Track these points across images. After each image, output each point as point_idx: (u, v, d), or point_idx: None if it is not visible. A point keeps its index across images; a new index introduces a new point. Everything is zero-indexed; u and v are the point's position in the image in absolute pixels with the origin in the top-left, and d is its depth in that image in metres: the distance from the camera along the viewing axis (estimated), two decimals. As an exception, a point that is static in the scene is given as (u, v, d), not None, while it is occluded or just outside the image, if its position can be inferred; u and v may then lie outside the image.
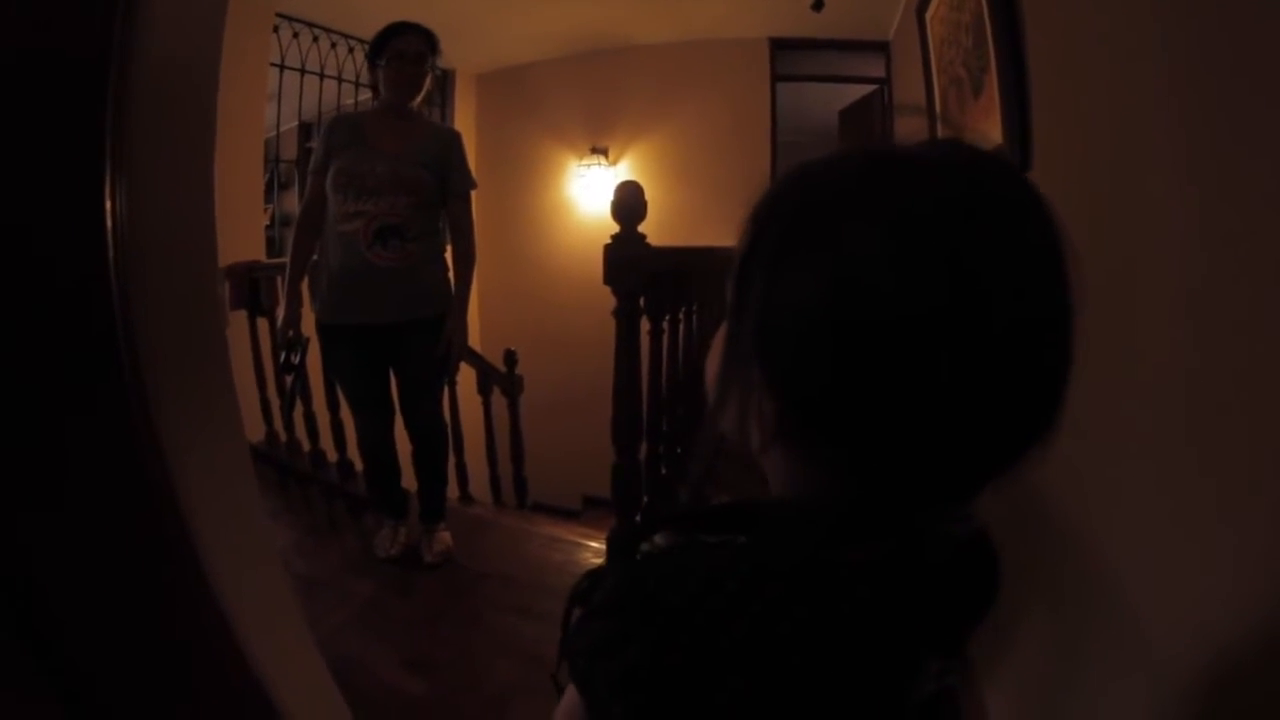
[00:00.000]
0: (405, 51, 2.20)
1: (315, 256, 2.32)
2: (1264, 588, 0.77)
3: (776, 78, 4.95)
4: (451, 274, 2.37)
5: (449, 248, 2.39)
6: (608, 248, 2.01)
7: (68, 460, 0.65)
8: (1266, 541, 0.77)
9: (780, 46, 4.89)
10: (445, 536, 2.55)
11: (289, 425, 3.24)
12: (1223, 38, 0.86)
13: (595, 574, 0.53)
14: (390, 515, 2.59)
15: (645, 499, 2.35)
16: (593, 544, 2.69)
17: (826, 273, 0.41)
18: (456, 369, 2.48)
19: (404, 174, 2.18)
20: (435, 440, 2.53)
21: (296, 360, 2.29)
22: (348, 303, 2.22)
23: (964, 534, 0.49)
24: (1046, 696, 1.29)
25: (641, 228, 2.02)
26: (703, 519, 0.51)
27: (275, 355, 2.55)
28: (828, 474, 0.46)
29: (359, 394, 2.43)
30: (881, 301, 0.39)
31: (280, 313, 2.40)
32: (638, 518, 2.28)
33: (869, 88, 4.82)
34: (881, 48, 4.58)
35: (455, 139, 2.36)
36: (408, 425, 2.46)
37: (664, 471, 2.53)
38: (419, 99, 2.28)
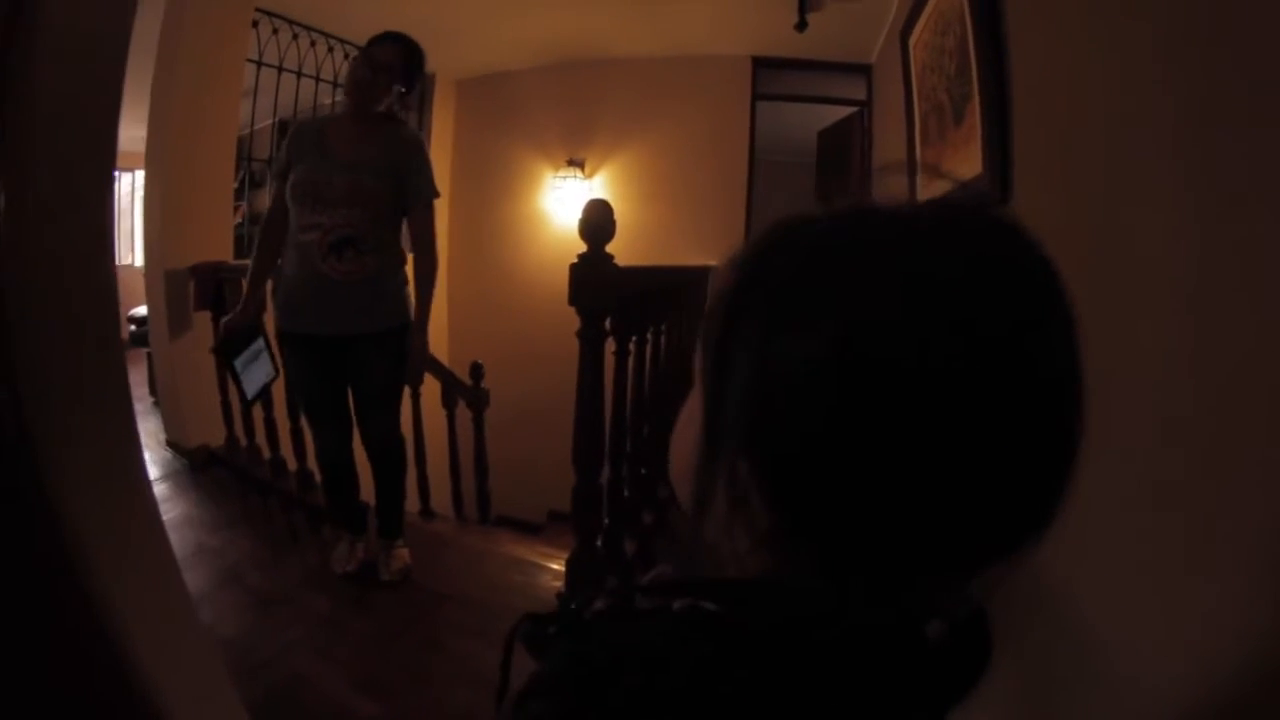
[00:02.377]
0: (375, 57, 2.16)
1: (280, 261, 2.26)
2: (1234, 642, 0.76)
3: (757, 96, 4.95)
4: (411, 287, 2.32)
5: (409, 259, 2.34)
6: (573, 268, 1.98)
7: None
8: (1236, 595, 0.76)
9: (762, 65, 4.88)
10: (404, 554, 2.51)
11: (246, 418, 3.17)
12: (1215, 65, 0.85)
13: (535, 617, 0.49)
14: (348, 530, 2.53)
15: (606, 521, 2.32)
16: (554, 565, 2.64)
17: (831, 337, 0.35)
18: (419, 382, 2.42)
19: (362, 186, 2.13)
20: (392, 456, 2.47)
21: (232, 351, 2.17)
22: (302, 311, 2.18)
23: (961, 615, 0.44)
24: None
25: (616, 243, 1.98)
26: (663, 589, 0.46)
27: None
28: (816, 565, 0.40)
29: (313, 404, 2.37)
30: (896, 363, 0.34)
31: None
32: (599, 542, 2.25)
33: (849, 110, 4.82)
34: (863, 70, 4.59)
35: (417, 145, 2.30)
36: (364, 440, 2.41)
37: (626, 494, 2.49)
38: (379, 107, 2.21)
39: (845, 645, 0.40)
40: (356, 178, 2.12)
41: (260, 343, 2.19)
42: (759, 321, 0.39)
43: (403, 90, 2.24)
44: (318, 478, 2.73)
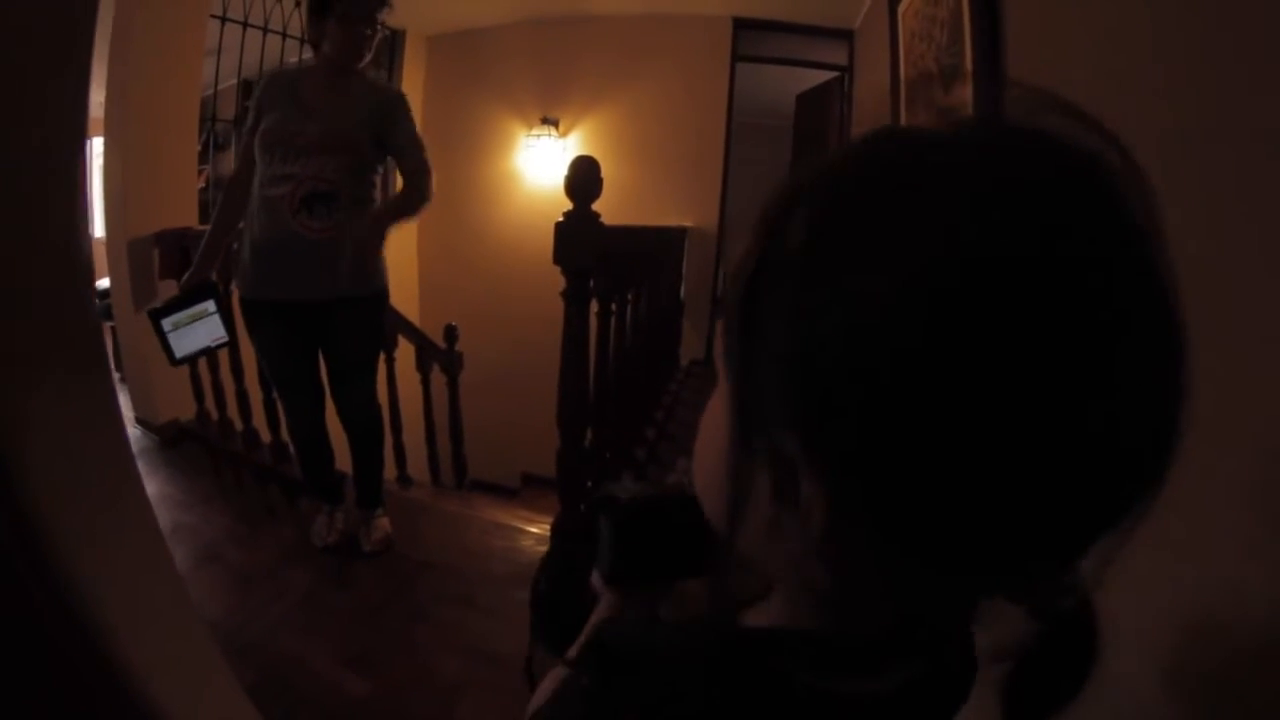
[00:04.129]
0: (354, 11, 2.01)
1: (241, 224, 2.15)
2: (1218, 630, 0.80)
3: (737, 57, 4.90)
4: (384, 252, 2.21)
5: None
6: (560, 225, 1.92)
7: None
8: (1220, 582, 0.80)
9: (743, 26, 4.82)
10: (384, 523, 2.47)
11: (217, 391, 3.07)
12: (1215, 48, 0.85)
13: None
14: (326, 501, 2.49)
15: (589, 484, 2.30)
16: (533, 529, 2.63)
17: (912, 268, 0.28)
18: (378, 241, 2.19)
19: (339, 132, 2.02)
20: (369, 426, 2.40)
21: (165, 311, 2.00)
22: (271, 276, 2.06)
23: (1065, 607, 0.37)
24: None
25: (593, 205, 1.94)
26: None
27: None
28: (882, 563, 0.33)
29: (285, 375, 2.27)
30: (997, 288, 0.27)
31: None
32: (582, 507, 2.24)
33: (829, 74, 4.79)
34: (845, 35, 4.57)
35: (400, 103, 2.18)
36: (340, 411, 2.33)
37: (608, 456, 2.49)
38: (365, 61, 2.12)
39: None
40: (334, 124, 2.02)
41: (210, 304, 2.04)
42: (798, 272, 0.32)
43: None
44: (291, 450, 2.67)
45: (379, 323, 2.25)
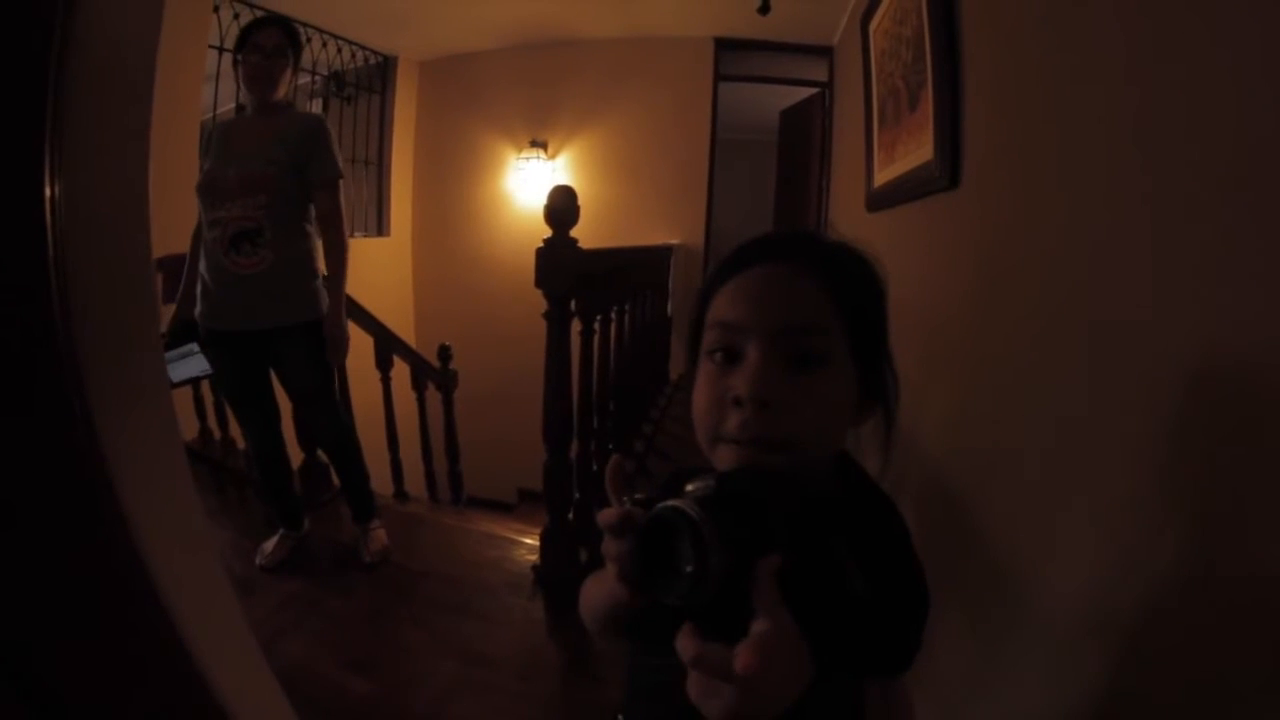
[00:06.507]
0: (260, 44, 2.15)
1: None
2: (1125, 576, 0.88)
3: (720, 77, 5.00)
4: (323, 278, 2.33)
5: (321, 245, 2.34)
6: (539, 252, 2.04)
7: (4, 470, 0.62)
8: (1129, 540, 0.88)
9: (725, 46, 4.93)
10: (380, 535, 2.56)
11: (220, 411, 3.17)
12: (1163, 62, 0.89)
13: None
14: (282, 524, 2.56)
15: (577, 495, 2.41)
16: (527, 540, 2.71)
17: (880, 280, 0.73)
18: (341, 360, 2.38)
19: (253, 174, 2.11)
20: (340, 445, 2.48)
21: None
22: (217, 310, 2.18)
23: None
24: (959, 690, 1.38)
25: (579, 223, 2.05)
26: None
27: None
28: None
29: (236, 400, 2.39)
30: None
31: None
32: (570, 515, 2.35)
33: (811, 90, 4.88)
34: (825, 52, 4.65)
35: (316, 127, 2.24)
36: (310, 436, 2.45)
37: (595, 468, 2.57)
38: (279, 93, 2.21)
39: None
40: (248, 167, 2.11)
41: (194, 345, 2.22)
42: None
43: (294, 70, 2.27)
44: (294, 466, 2.73)
45: (320, 348, 2.31)
